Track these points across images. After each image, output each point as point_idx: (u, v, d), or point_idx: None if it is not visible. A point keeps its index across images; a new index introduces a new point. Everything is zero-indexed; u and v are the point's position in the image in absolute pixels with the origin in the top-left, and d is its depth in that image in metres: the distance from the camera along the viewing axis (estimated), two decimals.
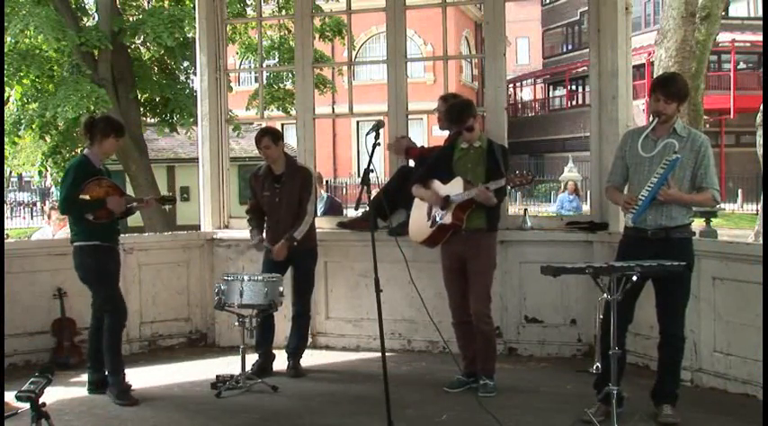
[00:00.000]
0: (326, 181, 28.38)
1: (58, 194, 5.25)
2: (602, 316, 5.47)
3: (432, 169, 5.38)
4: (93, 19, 15.40)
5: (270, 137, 5.73)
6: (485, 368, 5.24)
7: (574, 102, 37.77)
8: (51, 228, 7.43)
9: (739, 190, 25.94)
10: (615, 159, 4.78)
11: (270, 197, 5.81)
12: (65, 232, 7.37)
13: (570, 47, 40.22)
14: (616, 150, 4.84)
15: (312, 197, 5.88)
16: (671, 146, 4.43)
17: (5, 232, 16.34)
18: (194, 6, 7.53)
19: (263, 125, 6.34)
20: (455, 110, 5.30)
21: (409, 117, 6.68)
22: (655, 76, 4.42)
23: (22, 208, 30.26)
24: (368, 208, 4.96)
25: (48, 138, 14.70)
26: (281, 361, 5.87)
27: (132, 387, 5.30)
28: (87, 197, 5.11)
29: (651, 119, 4.57)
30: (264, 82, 14.47)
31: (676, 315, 4.54)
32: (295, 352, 5.89)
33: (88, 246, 5.19)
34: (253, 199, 5.98)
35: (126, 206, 5.27)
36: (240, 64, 21.12)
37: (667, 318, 4.55)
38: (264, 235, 5.90)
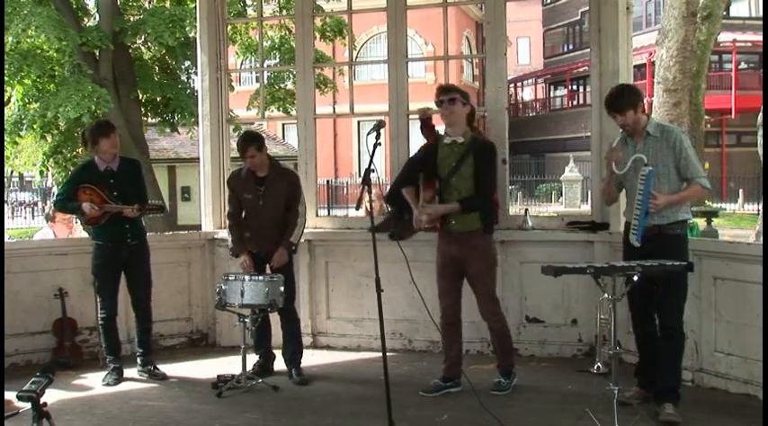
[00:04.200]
0: (327, 182, 28.38)
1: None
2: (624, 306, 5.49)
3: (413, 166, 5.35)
4: (95, 19, 15.39)
5: (255, 146, 5.48)
6: (501, 365, 5.32)
7: (575, 102, 37.79)
8: (54, 230, 7.32)
9: (740, 190, 25.91)
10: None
11: (252, 200, 5.59)
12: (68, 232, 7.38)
13: (571, 47, 40.21)
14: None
15: (302, 198, 5.73)
16: (639, 161, 4.57)
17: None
18: (195, 6, 7.53)
19: (251, 128, 6.18)
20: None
21: (410, 117, 6.68)
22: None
23: (23, 208, 30.29)
24: (387, 211, 4.99)
25: (49, 138, 14.71)
26: (281, 361, 5.86)
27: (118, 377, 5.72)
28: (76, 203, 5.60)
29: (620, 132, 4.77)
30: (265, 82, 14.48)
31: (672, 307, 4.60)
32: (293, 359, 5.73)
33: (94, 245, 5.78)
34: (234, 201, 5.73)
35: (101, 213, 5.54)
36: (241, 64, 21.12)
37: (663, 312, 4.61)
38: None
